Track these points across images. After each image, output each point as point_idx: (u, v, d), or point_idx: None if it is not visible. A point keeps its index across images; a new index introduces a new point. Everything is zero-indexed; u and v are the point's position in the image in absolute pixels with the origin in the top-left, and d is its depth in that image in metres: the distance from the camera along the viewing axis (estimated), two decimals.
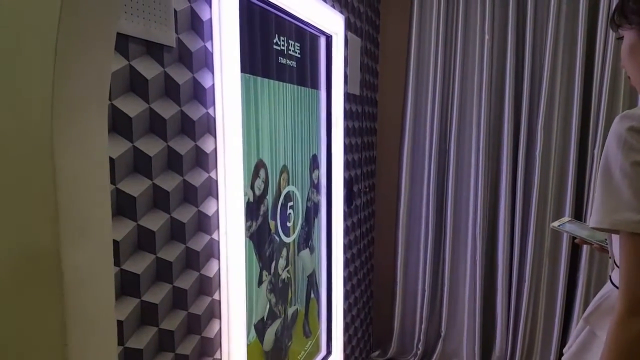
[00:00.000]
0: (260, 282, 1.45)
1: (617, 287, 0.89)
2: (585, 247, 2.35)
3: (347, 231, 2.35)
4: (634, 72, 0.91)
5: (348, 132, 2.28)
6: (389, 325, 2.85)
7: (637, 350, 0.75)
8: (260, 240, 1.45)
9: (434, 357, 2.70)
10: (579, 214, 2.39)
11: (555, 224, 1.20)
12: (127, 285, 0.93)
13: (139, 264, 0.96)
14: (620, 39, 0.92)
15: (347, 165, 2.31)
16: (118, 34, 0.88)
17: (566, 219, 1.23)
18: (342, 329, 2.12)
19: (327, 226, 2.01)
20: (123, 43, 0.91)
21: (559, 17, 2.31)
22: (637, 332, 0.75)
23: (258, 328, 1.46)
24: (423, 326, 2.74)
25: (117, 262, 0.90)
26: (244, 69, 1.30)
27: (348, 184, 2.33)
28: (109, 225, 0.77)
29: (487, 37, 2.41)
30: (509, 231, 2.51)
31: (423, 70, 2.63)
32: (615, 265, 0.90)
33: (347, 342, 2.39)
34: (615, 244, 0.87)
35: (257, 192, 1.43)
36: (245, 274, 1.30)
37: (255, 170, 1.41)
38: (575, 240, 1.17)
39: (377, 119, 2.82)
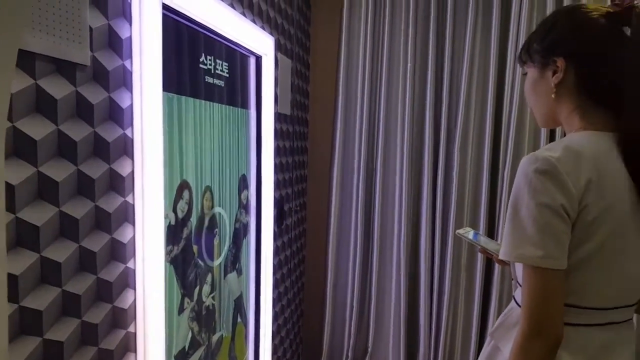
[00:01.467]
0: (181, 310, 1.39)
1: (519, 305, 0.94)
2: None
3: (277, 251, 2.33)
4: (535, 106, 0.99)
5: (279, 151, 2.27)
6: (318, 343, 2.84)
7: None
8: (183, 265, 1.39)
9: None
10: (491, 229, 2.53)
11: (460, 231, 1.27)
12: (27, 323, 0.85)
13: (42, 300, 0.88)
14: (525, 74, 0.99)
15: (278, 185, 2.29)
16: (23, 51, 0.82)
17: (469, 229, 1.31)
18: (270, 352, 2.08)
19: (256, 247, 1.97)
20: (29, 61, 0.84)
21: (473, 51, 2.47)
22: (537, 354, 0.81)
23: (178, 359, 1.40)
24: (351, 342, 2.76)
25: (14, 299, 0.82)
26: (167, 87, 1.26)
27: (278, 203, 2.31)
28: (2, 258, 0.70)
29: (409, 64, 2.52)
30: (430, 247, 2.61)
31: (351, 92, 2.70)
32: (518, 284, 0.96)
33: None
34: (518, 268, 0.92)
35: (180, 215, 1.37)
36: (164, 302, 1.24)
37: (179, 192, 1.36)
38: (477, 249, 1.24)
39: (307, 139, 2.84)
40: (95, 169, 1.01)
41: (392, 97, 2.64)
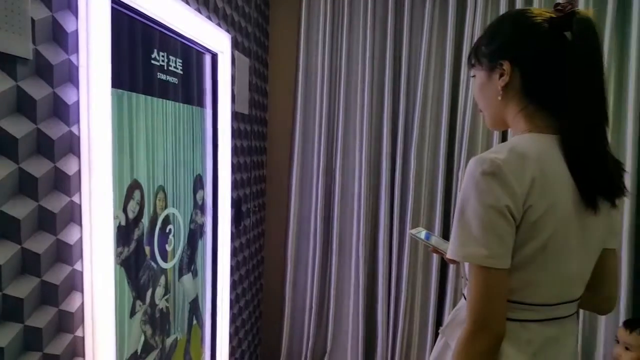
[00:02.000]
0: (133, 313, 1.35)
1: None
2: None
3: (234, 252, 2.30)
4: (484, 108, 1.02)
5: (236, 151, 2.25)
6: (277, 344, 2.83)
7: None
8: (134, 267, 1.35)
9: None
10: (446, 229, 2.59)
11: (413, 231, 1.30)
12: None
13: None
14: (474, 77, 1.02)
15: (236, 185, 2.27)
16: None
17: (422, 229, 1.33)
18: (227, 354, 2.05)
19: (213, 248, 1.94)
20: None
21: (429, 55, 2.53)
22: (480, 349, 0.84)
23: None
24: (310, 343, 2.76)
25: None
26: (117, 84, 1.22)
27: (236, 203, 2.29)
28: None
29: (367, 66, 2.56)
30: (388, 247, 2.64)
31: (310, 92, 2.71)
32: (466, 282, 0.98)
33: None
34: (467, 266, 0.95)
35: (131, 215, 1.33)
36: (114, 305, 1.20)
37: (129, 192, 1.32)
38: (429, 249, 1.26)
39: (266, 138, 2.82)
40: (38, 167, 0.97)
41: (351, 98, 2.66)
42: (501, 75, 0.93)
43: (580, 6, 2.32)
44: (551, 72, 0.90)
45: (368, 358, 2.72)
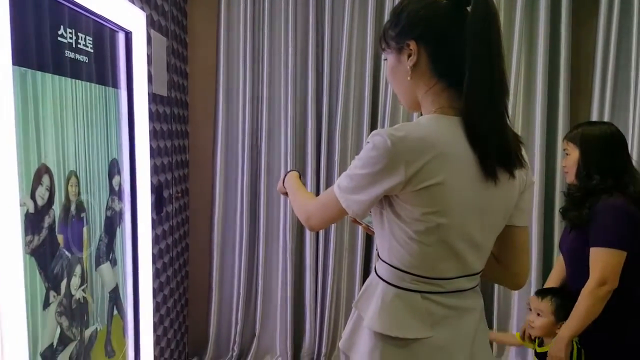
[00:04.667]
0: (46, 305, 1.28)
1: (379, 277, 1.02)
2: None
3: (157, 240, 2.24)
4: (397, 90, 1.04)
5: (155, 134, 2.17)
6: (205, 331, 2.80)
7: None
8: (46, 256, 1.28)
9: (249, 356, 2.75)
10: None
11: (366, 220, 1.31)
12: None
13: None
14: (386, 60, 1.04)
15: (156, 170, 2.19)
16: None
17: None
18: (152, 344, 2.00)
19: (133, 236, 1.87)
20: None
21: (352, 28, 2.56)
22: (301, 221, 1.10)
23: (46, 356, 1.29)
24: (238, 327, 2.76)
25: None
26: (19, 61, 1.13)
27: (157, 189, 2.22)
28: None
29: (290, 45, 2.55)
30: None
31: (233, 73, 2.66)
32: (378, 257, 1.03)
33: (158, 356, 2.27)
34: (379, 240, 1.01)
35: (40, 202, 1.25)
36: (25, 297, 1.13)
37: (37, 177, 1.24)
38: (361, 227, 1.29)
39: (188, 122, 2.75)
40: None
41: (274, 78, 2.64)
42: (409, 56, 0.95)
43: None
44: (454, 48, 0.91)
45: (297, 339, 2.77)
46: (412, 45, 0.94)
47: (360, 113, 2.64)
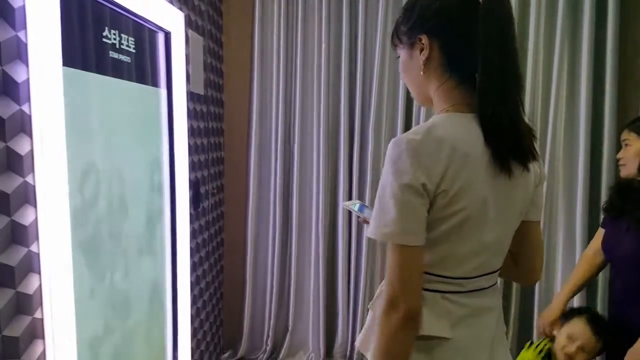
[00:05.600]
0: (93, 296, 1.34)
1: None
2: None
3: (194, 234, 2.30)
4: (410, 85, 1.03)
5: (193, 132, 2.23)
6: (239, 325, 2.86)
7: (400, 337, 0.88)
8: (92, 249, 1.34)
9: (282, 351, 2.78)
10: None
11: (347, 203, 1.33)
12: None
13: None
14: (398, 57, 1.03)
15: (193, 167, 2.25)
16: None
17: (357, 201, 1.37)
18: (189, 335, 2.06)
19: (172, 231, 1.93)
20: None
21: (386, 28, 2.54)
22: (395, 322, 0.87)
23: (92, 345, 1.35)
24: (272, 322, 2.80)
25: None
26: (67, 62, 1.19)
27: (194, 185, 2.28)
28: None
29: (324, 45, 2.57)
30: (347, 225, 2.70)
31: (267, 72, 2.70)
32: (381, 262, 1.02)
33: (195, 348, 2.33)
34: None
35: (87, 197, 1.31)
36: (73, 287, 1.19)
37: (85, 173, 1.30)
38: (359, 220, 1.28)
39: (223, 119, 2.80)
40: None
41: (307, 76, 2.66)
42: (421, 50, 0.94)
43: None
44: (465, 42, 0.90)
45: (329, 335, 2.79)
46: (424, 39, 0.93)
47: (393, 110, 2.62)
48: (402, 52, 1.00)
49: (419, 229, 0.87)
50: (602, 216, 1.81)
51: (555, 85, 2.40)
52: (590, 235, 2.38)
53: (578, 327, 1.60)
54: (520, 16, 2.43)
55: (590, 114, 2.38)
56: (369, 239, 2.66)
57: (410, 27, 0.96)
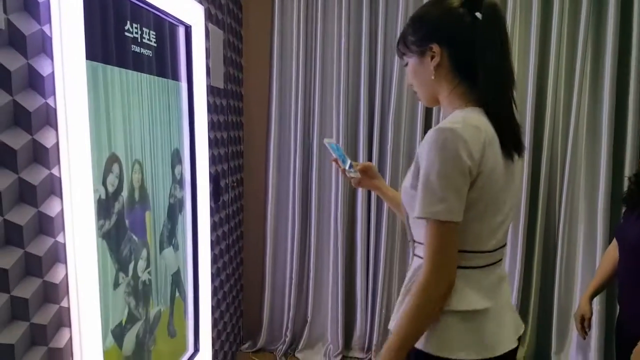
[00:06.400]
0: (116, 285, 1.37)
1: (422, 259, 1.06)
2: None
3: (214, 227, 2.32)
4: (419, 89, 1.15)
5: (213, 125, 2.25)
6: (258, 316, 2.89)
7: (436, 310, 0.99)
8: (116, 240, 1.36)
9: (301, 343, 2.80)
10: None
11: (327, 140, 1.47)
12: None
13: None
14: (405, 65, 1.15)
15: (213, 160, 2.27)
16: None
17: (333, 140, 1.51)
18: (209, 326, 2.09)
19: (193, 223, 1.96)
20: None
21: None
22: (437, 293, 0.98)
23: (116, 333, 1.38)
24: (291, 314, 2.82)
25: None
26: (90, 56, 1.21)
27: (214, 179, 2.30)
28: None
29: (343, 40, 2.56)
30: (366, 217, 2.70)
31: (286, 66, 2.70)
32: (418, 243, 1.10)
33: (215, 338, 2.37)
34: (415, 229, 1.09)
35: (111, 189, 1.34)
36: (98, 277, 1.22)
37: (108, 165, 1.32)
38: (331, 158, 1.48)
39: (243, 113, 2.82)
40: (16, 139, 0.97)
41: (327, 71, 2.66)
42: (432, 58, 1.06)
43: None
44: (470, 47, 1.03)
45: (348, 327, 2.80)
46: (435, 47, 1.06)
47: (413, 107, 2.60)
48: (411, 60, 1.13)
49: (461, 207, 0.97)
50: (623, 210, 1.78)
51: (578, 80, 2.36)
52: (611, 232, 2.34)
53: None
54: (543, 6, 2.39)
55: (613, 108, 2.34)
56: (388, 232, 2.66)
57: (420, 37, 1.08)
